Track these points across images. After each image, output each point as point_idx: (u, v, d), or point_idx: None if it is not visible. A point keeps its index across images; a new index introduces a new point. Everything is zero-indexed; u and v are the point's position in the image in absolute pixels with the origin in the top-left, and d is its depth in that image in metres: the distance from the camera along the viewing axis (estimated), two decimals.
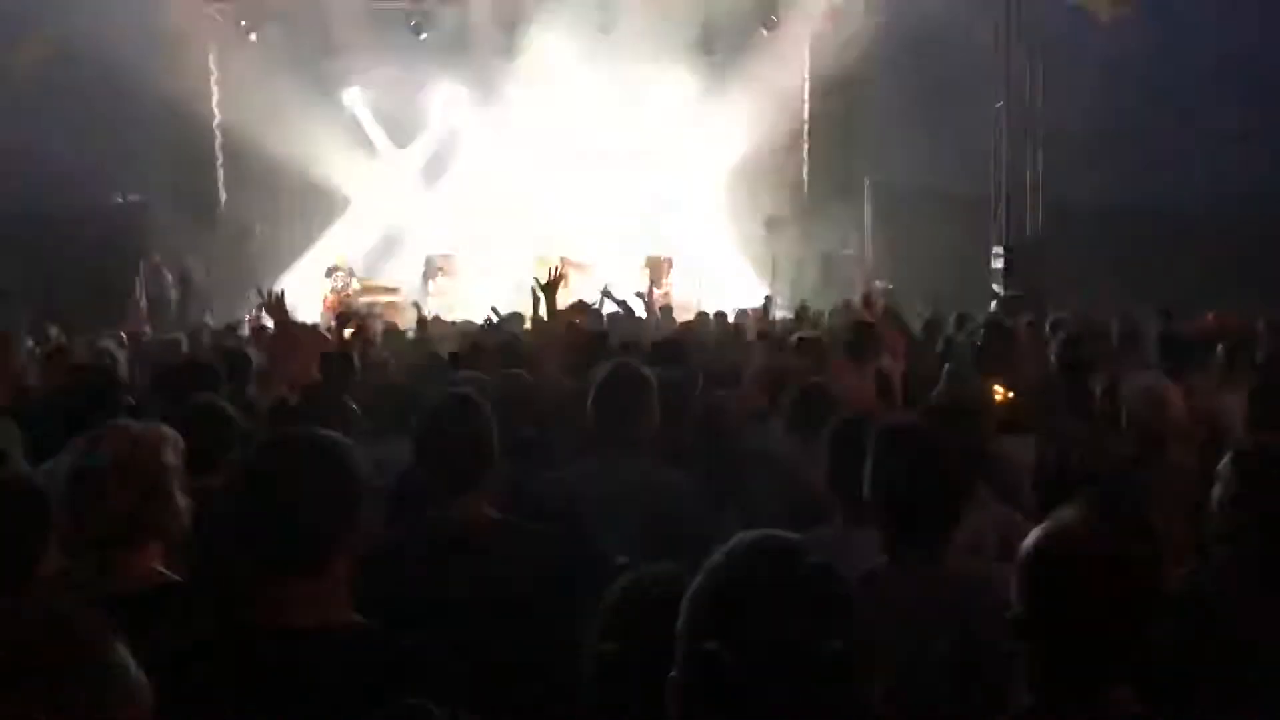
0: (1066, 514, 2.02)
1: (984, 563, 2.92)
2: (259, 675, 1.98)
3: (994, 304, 14.13)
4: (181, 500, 2.69)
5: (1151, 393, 4.42)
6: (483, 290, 16.68)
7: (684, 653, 1.45)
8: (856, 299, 16.69)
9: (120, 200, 18.50)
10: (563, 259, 18.55)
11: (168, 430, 2.78)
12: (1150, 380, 4.65)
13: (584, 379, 4.72)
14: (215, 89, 20.15)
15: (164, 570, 2.64)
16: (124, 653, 1.51)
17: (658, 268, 19.37)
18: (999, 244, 14.70)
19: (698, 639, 1.42)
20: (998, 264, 14.62)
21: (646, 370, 3.90)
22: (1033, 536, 2.04)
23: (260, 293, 5.53)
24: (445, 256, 20.18)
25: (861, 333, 6.17)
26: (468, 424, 3.01)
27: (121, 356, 7.80)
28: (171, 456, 2.70)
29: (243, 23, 19.20)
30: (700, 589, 1.47)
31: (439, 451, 3.01)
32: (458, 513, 2.96)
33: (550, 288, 5.69)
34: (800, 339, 6.55)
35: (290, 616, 2.05)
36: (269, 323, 10.26)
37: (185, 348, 9.54)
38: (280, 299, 5.49)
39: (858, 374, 5.63)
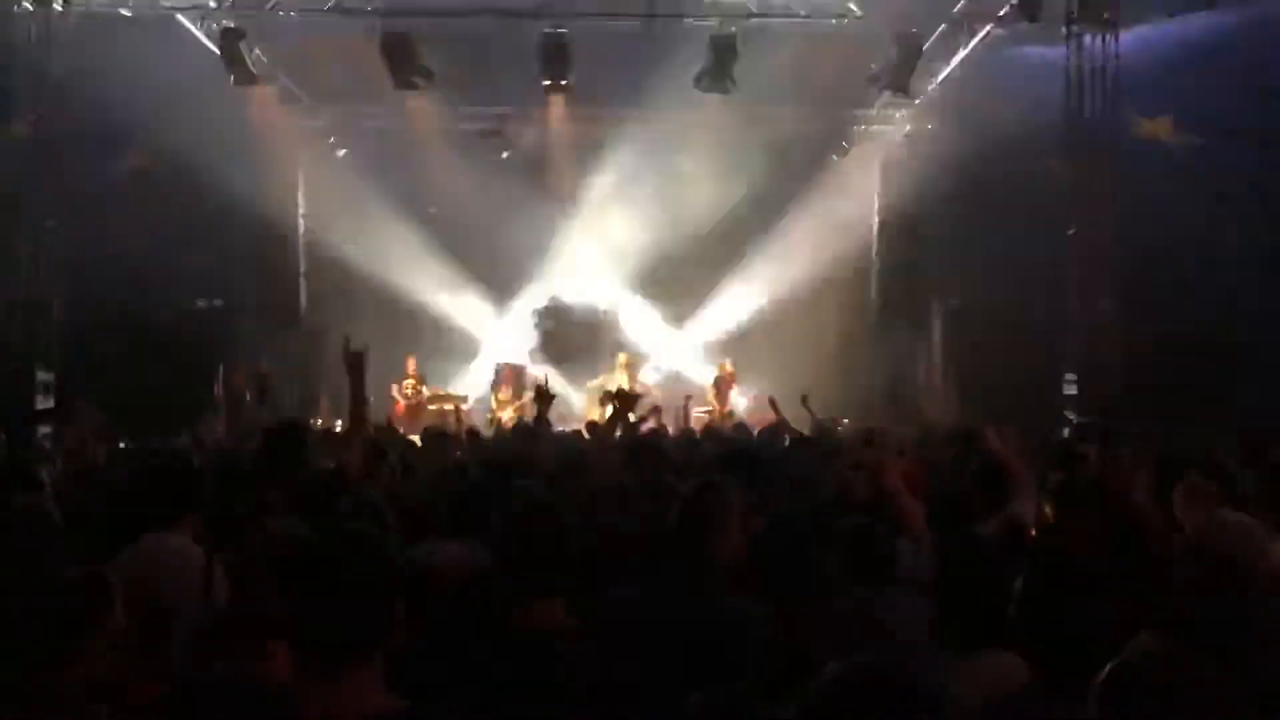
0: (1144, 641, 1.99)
1: None
2: None
3: (1067, 432, 13.92)
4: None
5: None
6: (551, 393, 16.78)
7: None
8: (927, 419, 16.67)
9: (203, 305, 19.08)
10: (624, 361, 18.90)
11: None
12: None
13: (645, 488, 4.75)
14: (301, 200, 20.89)
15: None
16: None
17: (726, 382, 19.45)
18: (1071, 371, 14.54)
19: None
20: (1070, 390, 14.44)
21: (730, 490, 3.89)
22: (1114, 662, 1.99)
23: (346, 341, 5.31)
24: (513, 366, 20.46)
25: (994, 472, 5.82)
26: (552, 529, 3.03)
27: (195, 457, 7.94)
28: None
29: (331, 139, 20.00)
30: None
31: (523, 555, 3.02)
32: (539, 618, 2.96)
33: (625, 400, 5.77)
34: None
35: (343, 706, 2.05)
36: (336, 426, 10.46)
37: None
38: (361, 354, 5.26)
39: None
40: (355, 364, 5.22)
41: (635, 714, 2.74)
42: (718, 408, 18.90)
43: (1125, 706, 1.93)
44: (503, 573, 3.09)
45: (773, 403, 10.35)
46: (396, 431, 11.39)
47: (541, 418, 6.58)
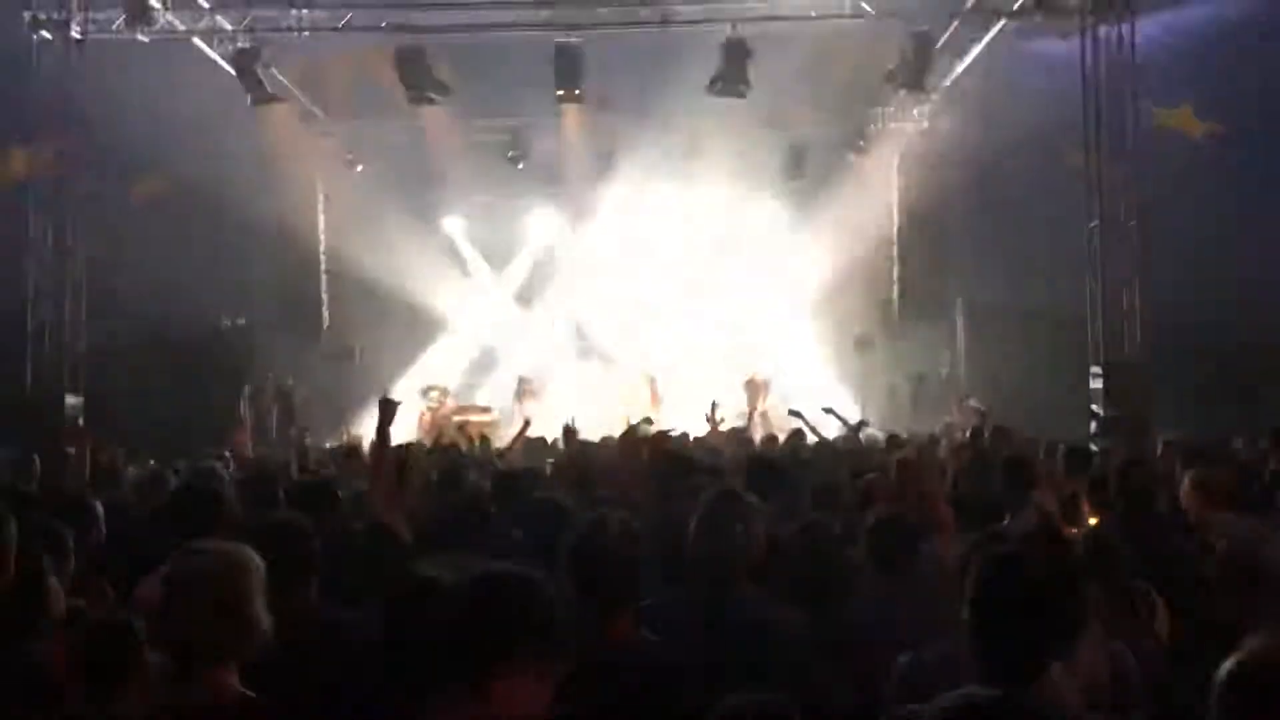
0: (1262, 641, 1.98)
1: (1078, 695, 2.81)
2: None
3: (1093, 425, 13.83)
4: (263, 620, 2.76)
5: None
6: (572, 411, 16.84)
7: None
8: (953, 418, 16.62)
9: (227, 324, 19.24)
10: (651, 381, 18.87)
11: (252, 553, 2.86)
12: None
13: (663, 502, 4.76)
14: (321, 216, 21.03)
15: (243, 689, 2.70)
16: None
17: (755, 389, 19.35)
18: (1096, 364, 14.44)
19: None
20: (1096, 384, 14.33)
21: (753, 498, 3.89)
22: (1232, 662, 1.98)
23: (385, 395, 5.69)
24: (536, 378, 20.51)
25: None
26: (624, 546, 3.06)
27: (226, 476, 8.00)
28: (253, 574, 2.78)
29: (349, 155, 20.12)
30: None
31: (594, 574, 3.04)
32: (613, 634, 3.01)
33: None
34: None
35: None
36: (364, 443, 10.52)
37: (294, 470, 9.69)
38: (393, 403, 5.60)
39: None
40: (386, 412, 5.54)
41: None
42: (750, 412, 18.88)
43: (1255, 708, 1.93)
44: (581, 591, 3.06)
45: (797, 414, 10.42)
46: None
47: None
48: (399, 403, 5.66)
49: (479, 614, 2.12)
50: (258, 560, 2.83)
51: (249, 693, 2.70)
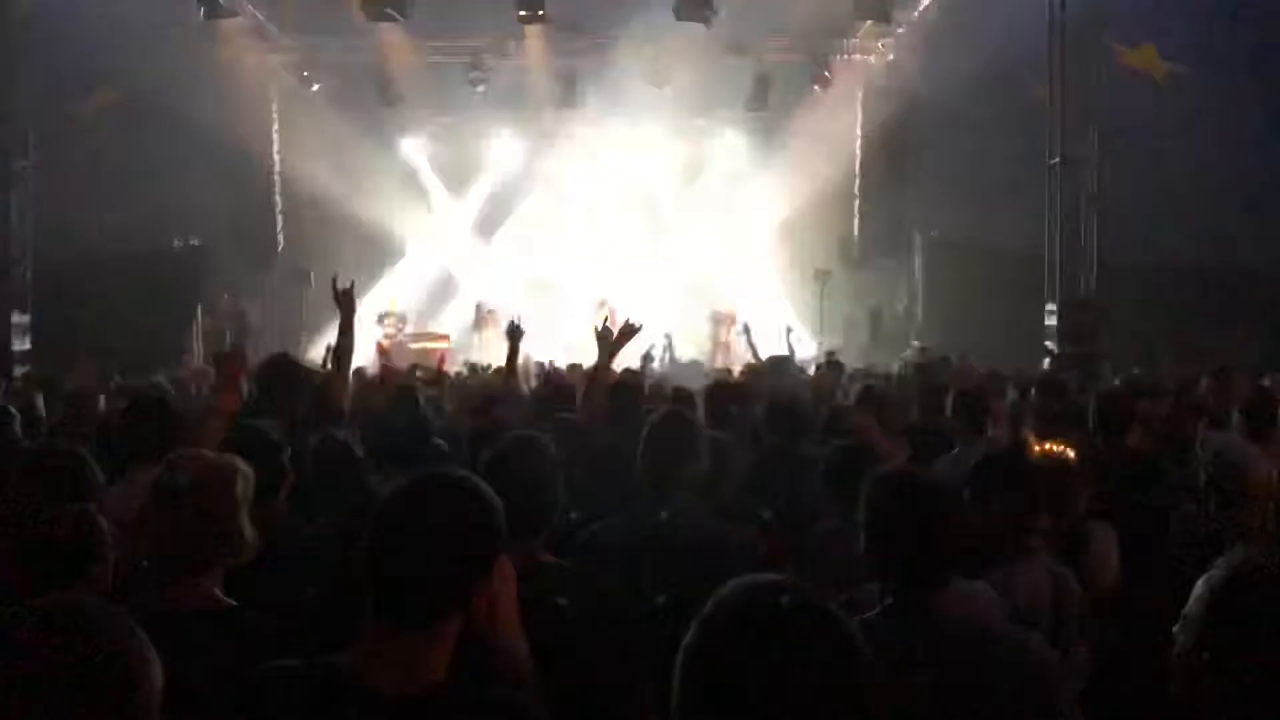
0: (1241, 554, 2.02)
1: (988, 614, 2.86)
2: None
3: (1047, 361, 13.99)
4: (248, 531, 2.74)
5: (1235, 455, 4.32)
6: (531, 340, 16.80)
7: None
8: (909, 354, 16.75)
9: (179, 244, 18.89)
10: (603, 302, 18.81)
11: (240, 462, 2.83)
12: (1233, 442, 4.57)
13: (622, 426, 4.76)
14: (276, 137, 20.62)
15: (222, 596, 2.69)
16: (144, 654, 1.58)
17: (720, 322, 19.39)
18: (1052, 301, 14.58)
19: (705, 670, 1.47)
20: (1051, 321, 14.48)
21: (694, 416, 3.90)
22: (1222, 572, 2.01)
23: (335, 283, 5.44)
24: (495, 306, 20.40)
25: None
26: (533, 466, 3.00)
27: (172, 393, 7.92)
28: (242, 487, 2.76)
29: (305, 73, 19.66)
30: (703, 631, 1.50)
31: (503, 494, 3.01)
32: (517, 557, 2.93)
33: (613, 339, 5.76)
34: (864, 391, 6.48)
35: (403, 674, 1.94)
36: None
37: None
38: (350, 291, 5.41)
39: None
40: (346, 301, 5.35)
41: (607, 642, 2.76)
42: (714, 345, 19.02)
43: (1242, 617, 1.96)
44: None
45: (746, 330, 10.66)
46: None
47: (514, 356, 6.63)
48: (353, 285, 5.49)
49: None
50: (245, 469, 2.81)
51: (232, 601, 2.69)
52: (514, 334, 6.50)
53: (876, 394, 6.39)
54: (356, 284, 5.71)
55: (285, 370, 5.11)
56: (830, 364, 11.27)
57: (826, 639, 1.47)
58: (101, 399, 7.51)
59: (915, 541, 2.66)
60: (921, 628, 2.56)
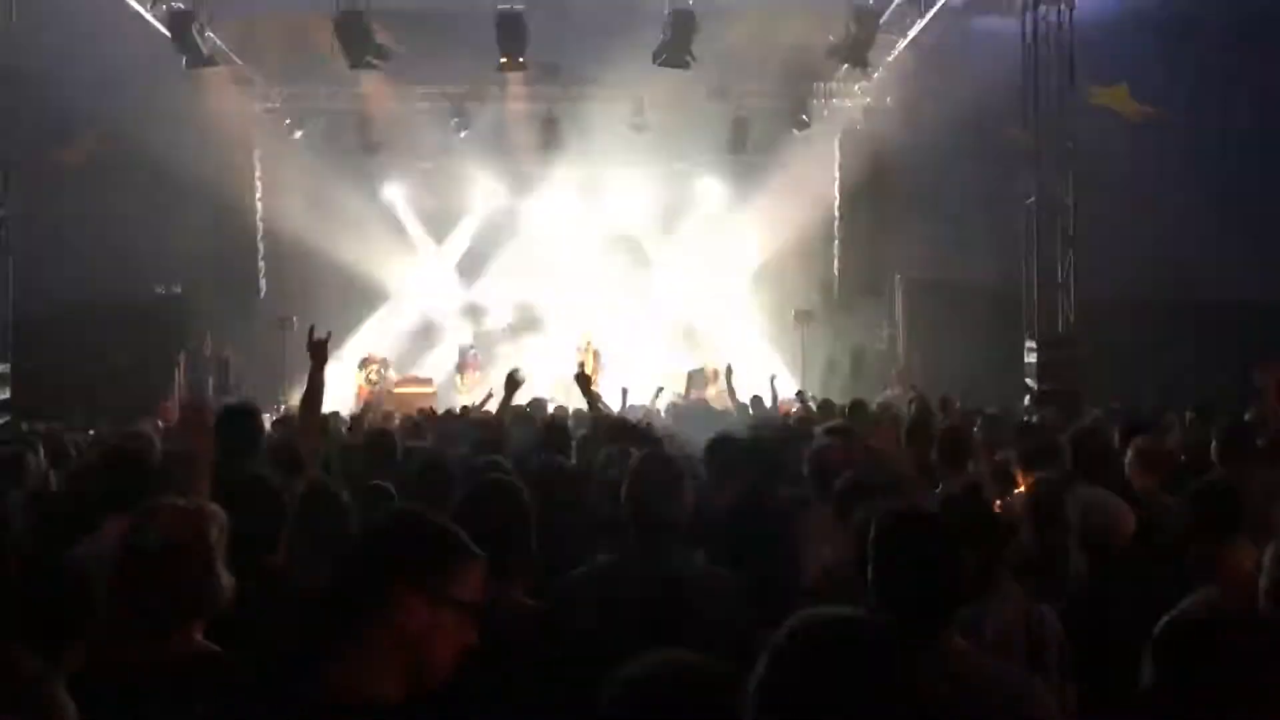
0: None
1: (984, 657, 2.84)
2: None
3: (1027, 398, 14.05)
4: (225, 578, 2.72)
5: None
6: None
7: None
8: (890, 393, 16.78)
9: (161, 291, 18.84)
10: (588, 344, 18.79)
11: (214, 508, 2.81)
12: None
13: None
14: (258, 184, 20.67)
15: (206, 642, 2.67)
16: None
17: (709, 380, 19.10)
18: (1031, 339, 14.67)
19: None
20: (1030, 358, 14.57)
21: (678, 455, 3.88)
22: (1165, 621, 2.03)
23: (311, 332, 5.19)
24: (478, 349, 20.40)
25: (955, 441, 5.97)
26: (505, 508, 2.97)
27: (157, 442, 7.85)
28: (216, 534, 2.74)
29: (287, 121, 19.74)
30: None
31: (474, 535, 2.98)
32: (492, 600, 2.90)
33: (585, 380, 5.80)
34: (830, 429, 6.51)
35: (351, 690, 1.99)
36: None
37: None
38: (324, 343, 5.17)
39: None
40: (318, 353, 5.15)
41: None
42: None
43: (1192, 662, 1.98)
44: None
45: (729, 372, 10.66)
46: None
47: (509, 402, 6.67)
48: (329, 337, 5.22)
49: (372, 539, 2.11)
50: (221, 517, 2.79)
51: (214, 648, 2.67)
52: (513, 383, 6.59)
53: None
54: (338, 329, 5.65)
55: (239, 420, 5.08)
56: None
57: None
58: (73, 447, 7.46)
59: (926, 576, 2.63)
60: (933, 661, 2.55)
